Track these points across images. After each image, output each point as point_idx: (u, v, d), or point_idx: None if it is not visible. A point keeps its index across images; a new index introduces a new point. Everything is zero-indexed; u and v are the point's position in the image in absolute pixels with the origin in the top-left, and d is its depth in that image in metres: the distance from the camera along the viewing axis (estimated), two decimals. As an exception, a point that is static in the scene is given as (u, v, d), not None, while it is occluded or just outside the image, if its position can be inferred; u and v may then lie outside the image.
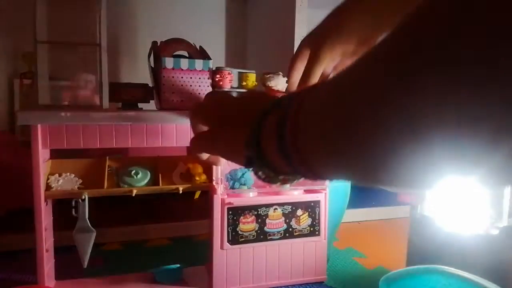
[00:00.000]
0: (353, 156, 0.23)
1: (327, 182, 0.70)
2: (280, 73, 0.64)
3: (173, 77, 0.59)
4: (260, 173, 0.33)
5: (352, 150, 0.22)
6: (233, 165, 0.70)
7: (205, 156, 0.51)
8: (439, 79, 0.15)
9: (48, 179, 0.58)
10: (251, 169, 0.34)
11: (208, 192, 0.65)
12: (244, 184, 0.66)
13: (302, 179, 0.34)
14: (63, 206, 0.60)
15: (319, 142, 0.25)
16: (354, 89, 0.22)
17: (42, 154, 0.56)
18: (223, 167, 0.64)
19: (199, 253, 0.82)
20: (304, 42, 0.44)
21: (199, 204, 1.10)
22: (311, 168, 0.26)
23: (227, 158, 0.42)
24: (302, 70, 0.43)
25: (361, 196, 1.28)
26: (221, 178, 0.64)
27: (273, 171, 0.31)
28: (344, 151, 0.23)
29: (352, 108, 0.22)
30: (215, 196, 0.63)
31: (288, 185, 0.34)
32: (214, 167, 0.63)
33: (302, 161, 0.26)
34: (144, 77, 0.71)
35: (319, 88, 0.25)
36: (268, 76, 0.65)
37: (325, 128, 0.24)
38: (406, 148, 0.18)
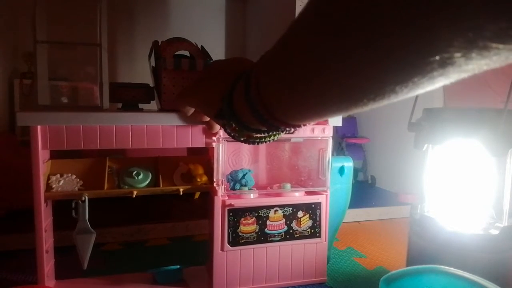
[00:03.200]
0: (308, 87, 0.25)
1: (327, 183, 0.70)
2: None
3: (174, 78, 0.59)
4: (227, 126, 0.38)
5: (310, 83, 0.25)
6: (233, 166, 0.70)
7: (189, 111, 0.56)
8: None
9: (49, 179, 0.58)
10: (221, 121, 0.39)
11: (208, 193, 0.65)
12: (245, 185, 0.66)
13: (264, 141, 0.37)
14: (63, 206, 0.60)
15: (274, 85, 0.28)
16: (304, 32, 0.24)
17: (42, 155, 0.56)
18: (223, 168, 0.64)
19: (199, 253, 0.82)
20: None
21: (199, 204, 1.10)
22: (270, 111, 0.30)
23: (202, 109, 0.47)
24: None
25: (361, 196, 1.28)
26: (222, 179, 0.63)
27: (241, 125, 0.35)
28: (298, 88, 0.26)
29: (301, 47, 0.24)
30: (215, 197, 0.63)
31: (250, 143, 0.39)
32: (214, 168, 0.63)
33: (264, 107, 0.30)
34: (143, 77, 0.71)
35: (275, 43, 0.29)
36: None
37: (276, 72, 0.27)
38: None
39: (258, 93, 0.30)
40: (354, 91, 0.21)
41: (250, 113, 0.32)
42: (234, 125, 0.36)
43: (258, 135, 0.37)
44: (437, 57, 0.16)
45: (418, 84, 0.18)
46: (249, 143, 0.39)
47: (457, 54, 0.15)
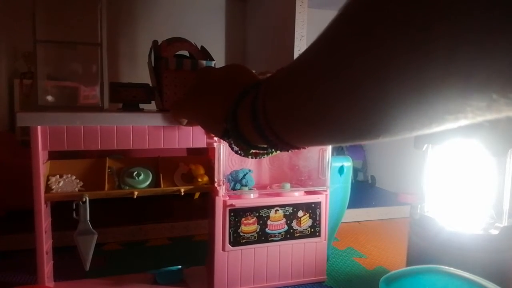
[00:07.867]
0: (317, 116, 0.25)
1: (327, 183, 0.70)
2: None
3: (175, 78, 0.59)
4: (234, 145, 0.38)
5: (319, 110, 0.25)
6: (234, 166, 0.70)
7: (184, 121, 0.56)
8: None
9: (48, 180, 0.58)
10: (227, 140, 0.39)
11: (208, 193, 0.65)
12: (245, 185, 0.66)
13: (270, 155, 0.38)
14: (63, 206, 0.60)
15: (282, 110, 0.29)
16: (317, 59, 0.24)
17: (42, 156, 0.56)
18: (224, 168, 0.64)
19: (199, 253, 0.82)
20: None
21: (199, 204, 1.10)
22: (276, 133, 0.31)
23: (204, 126, 0.46)
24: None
25: (361, 196, 1.28)
26: (223, 180, 0.63)
27: (246, 144, 0.36)
28: (303, 114, 0.26)
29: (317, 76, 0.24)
30: (216, 197, 0.63)
31: (257, 158, 0.39)
32: (215, 168, 0.63)
33: (271, 129, 0.31)
34: (144, 77, 0.71)
35: (283, 68, 0.29)
36: (267, 75, 0.65)
37: (286, 97, 0.28)
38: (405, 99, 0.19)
39: (266, 122, 0.30)
40: (369, 129, 0.22)
41: (258, 137, 0.32)
42: (242, 145, 0.37)
43: (264, 151, 0.37)
44: (452, 116, 0.18)
45: (431, 128, 0.20)
46: (255, 158, 0.39)
47: (470, 115, 0.17)
